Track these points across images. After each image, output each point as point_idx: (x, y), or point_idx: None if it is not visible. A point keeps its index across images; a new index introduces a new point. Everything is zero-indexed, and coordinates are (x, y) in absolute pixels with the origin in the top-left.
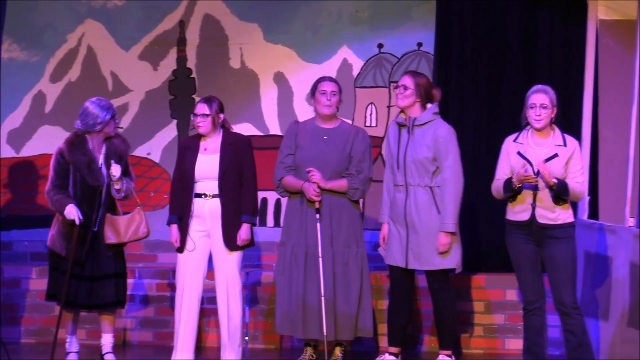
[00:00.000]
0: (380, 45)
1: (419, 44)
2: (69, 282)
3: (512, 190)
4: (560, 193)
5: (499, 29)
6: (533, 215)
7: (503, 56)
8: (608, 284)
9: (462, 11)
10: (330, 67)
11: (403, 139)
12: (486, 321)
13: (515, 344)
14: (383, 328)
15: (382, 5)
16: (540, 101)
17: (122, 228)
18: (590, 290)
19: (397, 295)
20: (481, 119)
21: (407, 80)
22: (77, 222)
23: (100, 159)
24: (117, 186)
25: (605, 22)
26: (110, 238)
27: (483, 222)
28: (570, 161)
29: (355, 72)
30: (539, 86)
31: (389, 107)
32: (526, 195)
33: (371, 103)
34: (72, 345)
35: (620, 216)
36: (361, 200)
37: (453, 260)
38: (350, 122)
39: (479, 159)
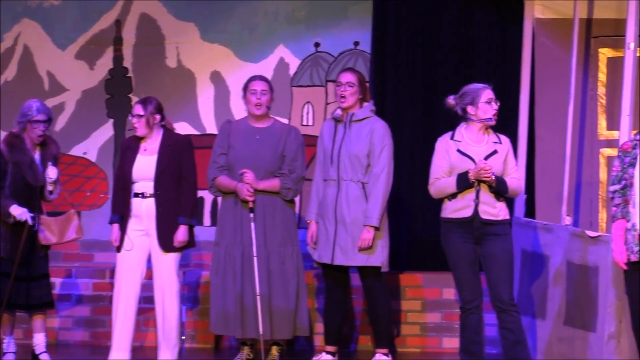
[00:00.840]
0: (316, 44)
1: (356, 43)
2: (8, 283)
3: (467, 187)
4: (499, 190)
5: (435, 28)
6: (476, 212)
7: (440, 55)
8: (544, 283)
9: (399, 10)
10: (266, 66)
11: (339, 134)
12: (423, 320)
13: (452, 343)
14: (318, 327)
15: (319, 4)
16: (494, 96)
17: (58, 229)
18: (527, 289)
19: (333, 294)
20: (417, 117)
21: (351, 77)
22: (30, 222)
23: (37, 160)
24: (50, 187)
25: (541, 20)
26: (49, 239)
27: (419, 220)
28: (507, 158)
29: (292, 71)
30: (481, 83)
31: (328, 104)
32: (467, 192)
33: (308, 102)
34: (10, 345)
35: (556, 215)
36: (297, 199)
37: (379, 258)
38: (286, 121)
39: (414, 157)
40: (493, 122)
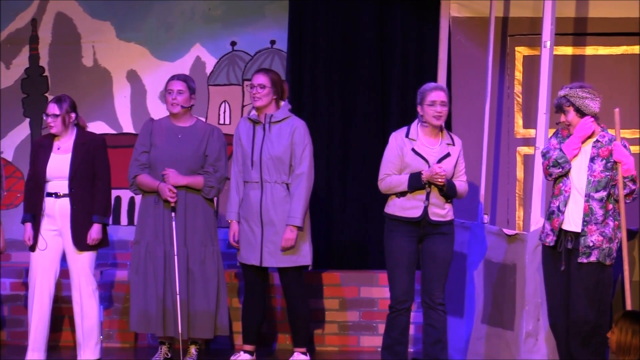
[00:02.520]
0: (233, 43)
1: (272, 42)
2: None
3: (419, 188)
4: (449, 194)
5: (352, 27)
6: (425, 213)
7: (356, 53)
8: (462, 281)
9: (315, 9)
10: (183, 65)
11: (258, 136)
12: (341, 318)
13: (370, 341)
14: (237, 326)
15: (235, 3)
16: (440, 98)
17: None
18: (447, 288)
19: (251, 293)
20: (334, 116)
21: (263, 79)
22: None
23: None
24: None
25: (457, 19)
26: None
27: (337, 219)
28: (458, 160)
29: (208, 70)
30: (436, 83)
31: (245, 105)
32: (418, 192)
33: (225, 101)
34: None
35: (474, 213)
36: (215, 199)
37: (307, 257)
38: (203, 119)
39: (331, 156)
40: (435, 123)
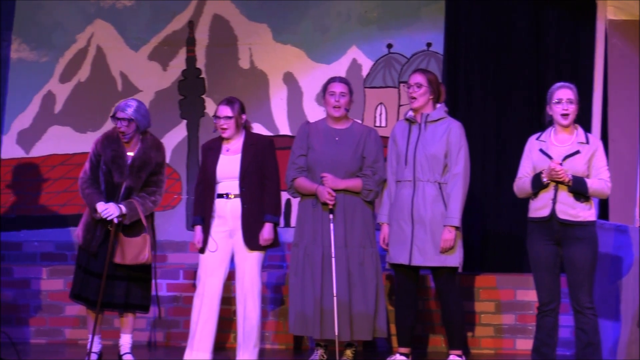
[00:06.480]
0: (389, 46)
1: (428, 44)
2: (100, 282)
3: (541, 187)
4: (578, 190)
5: (507, 29)
6: (553, 211)
7: (511, 56)
8: (618, 284)
9: (471, 11)
10: (339, 68)
11: (413, 135)
12: (496, 321)
13: (526, 344)
14: (394, 328)
15: (391, 5)
16: (567, 96)
17: (126, 250)
18: (601, 291)
19: (403, 295)
20: (489, 119)
21: (420, 78)
22: (116, 221)
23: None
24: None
25: (613, 22)
26: (116, 257)
27: (492, 221)
28: (592, 159)
29: (364, 73)
30: (563, 82)
31: (401, 105)
32: (545, 191)
33: (381, 103)
34: (95, 345)
35: (630, 216)
36: None
37: (457, 259)
38: (359, 122)
39: (486, 159)
40: (564, 122)
